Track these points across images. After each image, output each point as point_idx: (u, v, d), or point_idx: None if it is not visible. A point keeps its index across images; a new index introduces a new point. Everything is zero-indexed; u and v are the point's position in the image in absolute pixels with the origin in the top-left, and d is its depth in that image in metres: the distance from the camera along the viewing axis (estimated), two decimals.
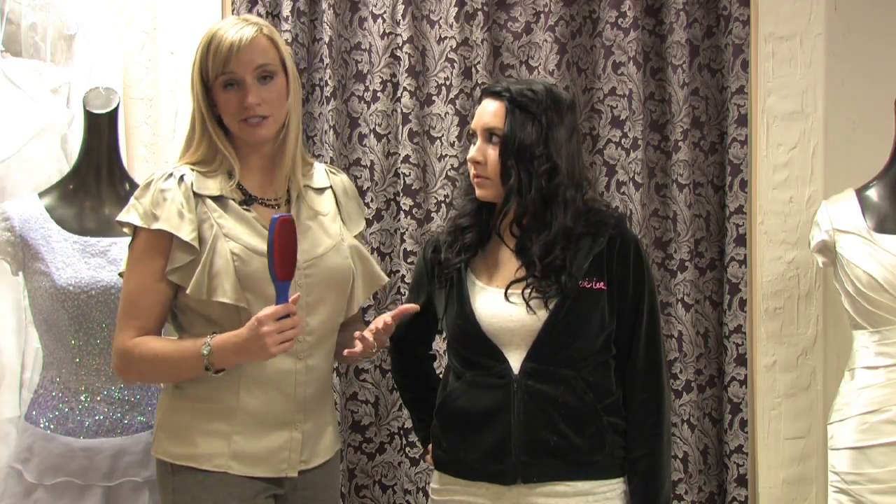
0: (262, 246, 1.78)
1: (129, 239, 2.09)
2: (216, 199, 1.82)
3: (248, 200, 1.85)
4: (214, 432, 1.80)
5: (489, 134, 1.84)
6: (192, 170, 1.83)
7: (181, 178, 1.80)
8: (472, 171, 1.86)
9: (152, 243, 1.78)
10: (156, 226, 1.77)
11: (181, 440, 1.81)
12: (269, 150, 1.89)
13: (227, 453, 1.80)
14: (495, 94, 1.85)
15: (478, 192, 1.87)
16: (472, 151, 1.85)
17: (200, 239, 1.78)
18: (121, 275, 1.87)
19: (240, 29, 1.79)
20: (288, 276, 1.70)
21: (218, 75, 1.79)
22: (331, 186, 2.00)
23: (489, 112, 1.85)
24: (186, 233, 1.76)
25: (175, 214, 1.77)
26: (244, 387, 1.81)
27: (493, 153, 1.83)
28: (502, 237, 1.88)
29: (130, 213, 1.80)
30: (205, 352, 1.73)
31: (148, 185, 1.81)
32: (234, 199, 1.83)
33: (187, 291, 1.76)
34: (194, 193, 1.80)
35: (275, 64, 1.83)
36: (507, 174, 1.82)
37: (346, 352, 1.83)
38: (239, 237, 1.80)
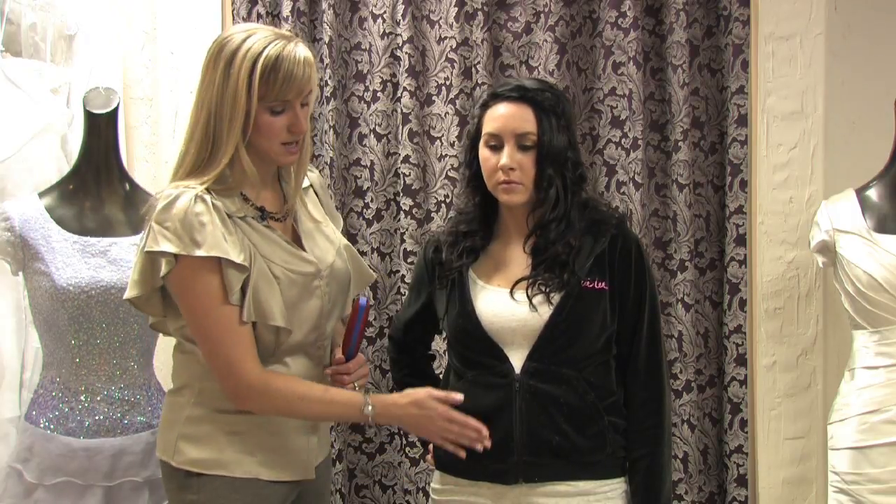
0: (297, 264, 1.78)
1: (129, 239, 2.10)
2: (241, 219, 1.76)
3: (263, 216, 1.80)
4: (241, 440, 1.78)
5: (520, 139, 1.81)
6: (209, 190, 1.72)
7: (213, 204, 1.70)
8: (499, 177, 1.81)
9: (208, 271, 1.69)
10: (200, 252, 1.67)
11: (208, 449, 1.78)
12: (276, 164, 1.85)
13: (255, 460, 1.78)
14: (516, 98, 1.82)
15: (506, 197, 1.84)
16: (504, 158, 1.80)
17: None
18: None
19: (303, 56, 1.71)
20: (354, 356, 1.87)
21: (276, 99, 1.70)
22: (311, 185, 1.98)
23: (517, 117, 1.81)
24: (236, 254, 1.69)
25: (220, 238, 1.69)
26: None
27: (526, 159, 1.81)
28: (526, 240, 1.86)
29: (161, 242, 1.68)
30: (369, 412, 1.74)
31: (167, 208, 1.69)
32: (253, 217, 1.78)
33: (244, 318, 1.71)
34: (227, 216, 1.73)
35: (315, 88, 1.79)
36: (545, 181, 1.81)
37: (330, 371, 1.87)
38: (276, 258, 1.76)
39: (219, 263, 1.69)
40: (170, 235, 1.68)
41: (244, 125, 1.70)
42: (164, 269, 1.69)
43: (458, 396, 1.77)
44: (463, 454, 1.76)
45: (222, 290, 1.70)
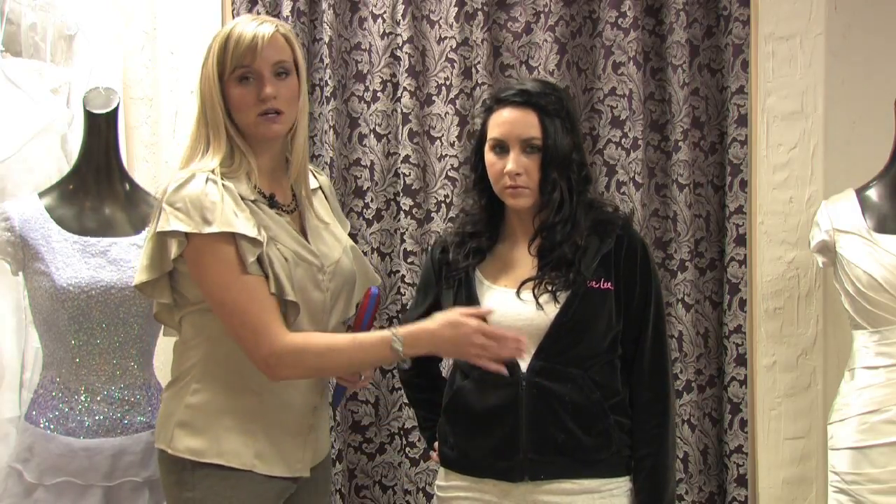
0: (303, 252, 1.81)
1: (128, 239, 2.11)
2: (252, 202, 1.79)
3: (273, 204, 1.83)
4: (240, 430, 1.79)
5: (525, 144, 1.82)
6: (220, 174, 1.77)
7: (223, 184, 1.74)
8: (506, 182, 1.83)
9: (222, 245, 1.71)
10: (209, 230, 1.69)
11: (206, 437, 1.79)
12: (277, 151, 1.87)
13: (252, 452, 1.79)
14: (520, 103, 1.83)
15: (512, 202, 1.85)
16: (510, 164, 1.82)
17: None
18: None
19: (259, 25, 1.79)
20: None
21: (236, 68, 1.77)
22: (320, 187, 2.01)
23: (522, 122, 1.82)
24: (248, 228, 1.72)
25: (231, 215, 1.71)
26: (267, 388, 1.80)
27: (532, 163, 1.82)
28: (531, 242, 1.87)
29: (172, 222, 1.71)
30: (398, 347, 1.72)
31: (178, 189, 1.72)
32: (264, 204, 1.81)
33: (271, 290, 1.73)
34: (239, 196, 1.76)
35: (290, 62, 1.82)
36: (550, 185, 1.82)
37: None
38: (285, 242, 1.79)
39: (232, 237, 1.71)
40: (181, 216, 1.71)
41: (216, 99, 1.77)
42: (174, 251, 1.72)
43: (489, 309, 1.76)
44: (504, 371, 1.74)
45: (239, 261, 1.72)
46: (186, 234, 1.71)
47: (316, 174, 2.03)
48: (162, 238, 1.74)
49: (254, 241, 1.73)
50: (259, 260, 1.73)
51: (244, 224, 1.72)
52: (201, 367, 1.81)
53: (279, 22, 1.86)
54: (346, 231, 2.02)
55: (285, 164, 1.90)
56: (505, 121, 1.84)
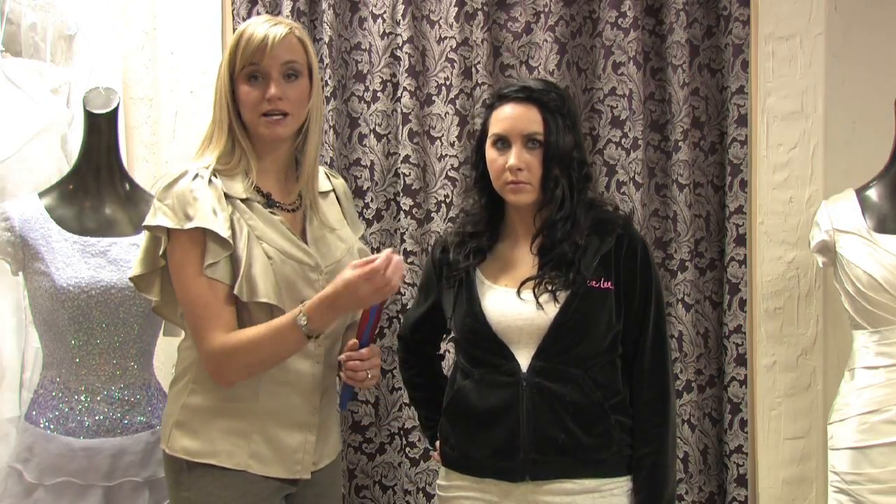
0: (293, 250, 1.82)
1: (128, 239, 2.11)
2: (243, 201, 1.81)
3: (270, 203, 1.84)
4: (234, 431, 1.80)
5: (527, 140, 1.83)
6: (215, 171, 1.80)
7: (210, 180, 1.78)
8: (507, 178, 1.83)
9: (191, 243, 1.74)
10: (189, 225, 1.73)
11: (200, 438, 1.80)
12: (285, 152, 1.88)
13: (246, 452, 1.80)
14: (522, 99, 1.84)
15: (513, 198, 1.85)
16: (512, 158, 1.82)
17: (233, 238, 1.77)
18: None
19: (272, 26, 1.81)
20: (368, 344, 1.87)
21: (245, 66, 1.79)
22: (333, 190, 2.01)
23: (524, 118, 1.83)
24: (223, 229, 1.74)
25: (209, 212, 1.74)
26: (264, 388, 1.81)
27: (534, 160, 1.82)
28: (533, 240, 1.88)
29: (158, 217, 1.76)
30: (302, 322, 1.71)
31: (169, 186, 1.77)
32: (258, 202, 1.82)
33: (234, 291, 1.75)
34: (224, 194, 1.78)
35: (302, 64, 1.83)
36: (551, 181, 1.82)
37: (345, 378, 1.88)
38: (272, 240, 1.80)
39: (203, 235, 1.74)
40: (167, 211, 1.75)
41: (224, 96, 1.81)
42: (163, 247, 1.77)
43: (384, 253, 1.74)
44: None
45: (202, 262, 1.74)
46: (168, 230, 1.75)
47: (332, 177, 2.05)
48: (154, 235, 1.78)
49: (223, 243, 1.74)
50: (232, 261, 1.75)
51: (218, 224, 1.74)
52: (198, 366, 1.82)
53: (295, 25, 1.87)
54: (357, 234, 2.02)
55: (295, 166, 1.91)
56: (507, 116, 1.84)
